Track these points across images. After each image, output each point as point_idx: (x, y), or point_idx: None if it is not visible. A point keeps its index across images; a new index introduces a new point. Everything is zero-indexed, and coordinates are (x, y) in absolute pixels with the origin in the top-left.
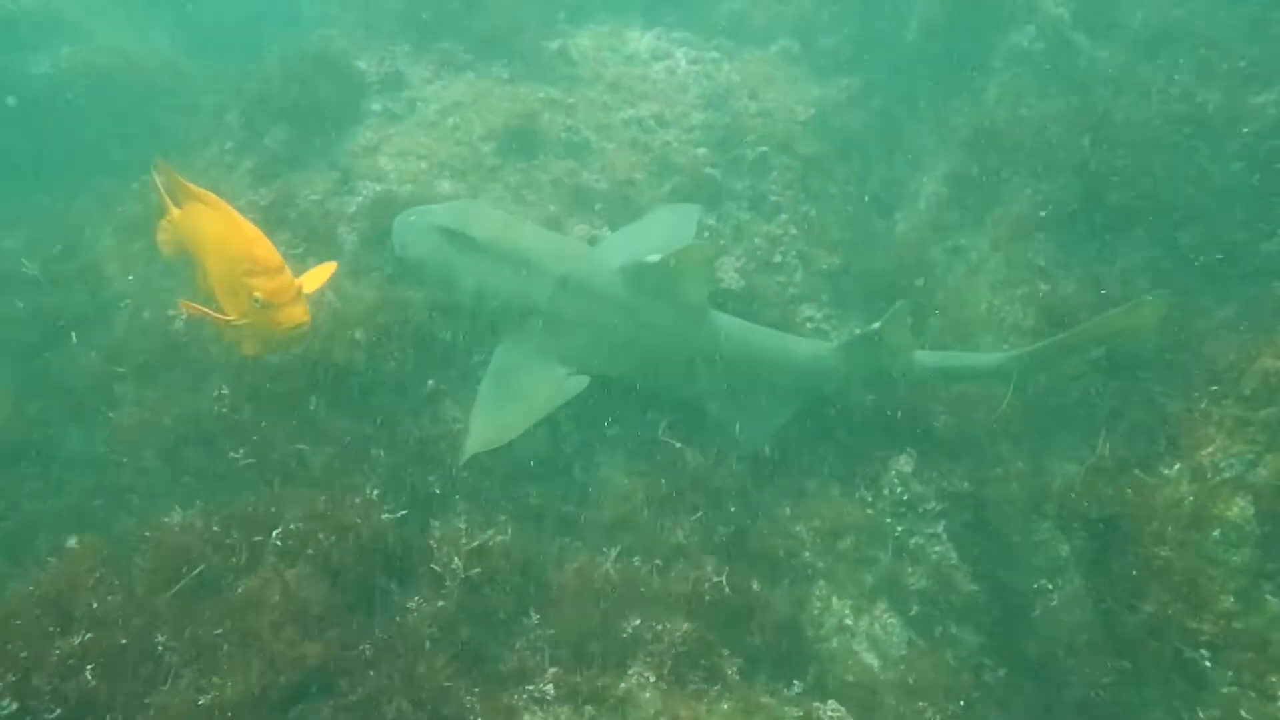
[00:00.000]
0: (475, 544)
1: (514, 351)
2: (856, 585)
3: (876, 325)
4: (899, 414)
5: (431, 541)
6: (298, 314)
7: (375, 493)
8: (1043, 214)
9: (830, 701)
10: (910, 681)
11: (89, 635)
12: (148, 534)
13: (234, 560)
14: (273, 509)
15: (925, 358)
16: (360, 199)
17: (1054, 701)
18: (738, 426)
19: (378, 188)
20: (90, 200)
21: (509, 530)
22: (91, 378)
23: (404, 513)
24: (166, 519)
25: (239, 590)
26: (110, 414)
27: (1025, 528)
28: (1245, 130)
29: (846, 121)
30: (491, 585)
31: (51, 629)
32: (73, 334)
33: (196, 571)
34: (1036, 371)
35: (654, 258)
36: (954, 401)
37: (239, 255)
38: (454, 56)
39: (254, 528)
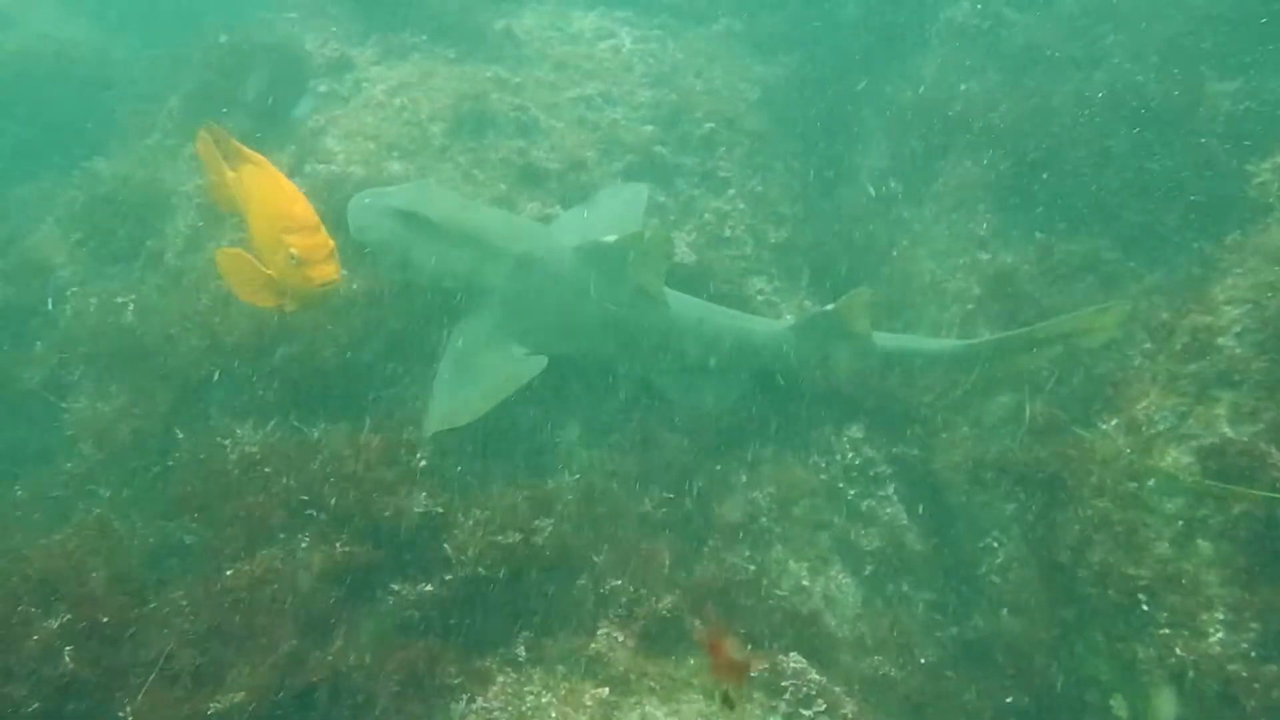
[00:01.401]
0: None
1: (471, 331)
2: (812, 547)
3: (831, 306)
4: (850, 389)
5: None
6: (329, 271)
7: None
8: (980, 187)
9: (792, 653)
10: (866, 639)
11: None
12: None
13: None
14: None
15: (884, 340)
16: (310, 181)
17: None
18: (690, 403)
19: (326, 169)
20: (29, 191)
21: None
22: (42, 370)
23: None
24: None
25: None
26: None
27: (971, 490)
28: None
29: (790, 98)
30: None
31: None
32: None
33: None
34: (994, 362)
35: (610, 238)
36: (904, 380)
37: (278, 212)
38: (400, 38)
39: None
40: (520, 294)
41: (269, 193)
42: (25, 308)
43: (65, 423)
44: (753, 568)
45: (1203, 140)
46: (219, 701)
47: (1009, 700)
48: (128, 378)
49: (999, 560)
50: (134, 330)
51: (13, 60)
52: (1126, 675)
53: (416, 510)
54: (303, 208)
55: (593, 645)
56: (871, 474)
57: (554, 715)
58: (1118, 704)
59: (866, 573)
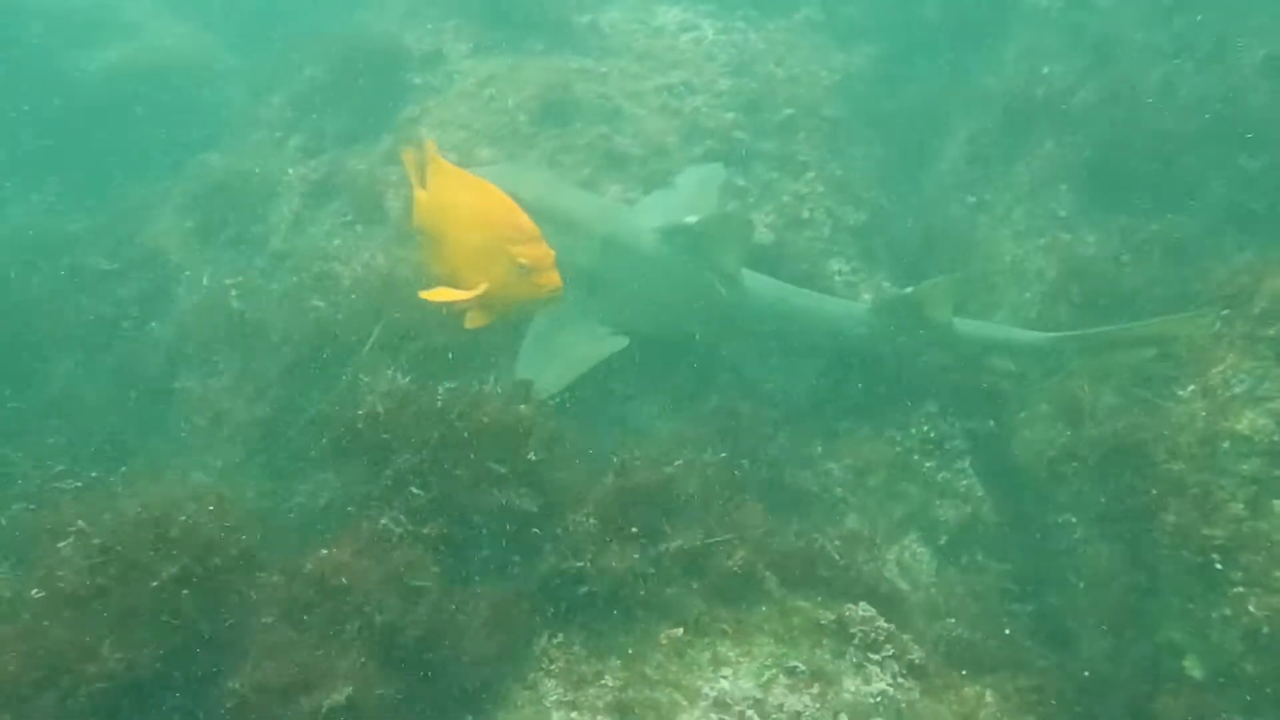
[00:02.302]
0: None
1: (556, 309)
2: (887, 517)
3: (910, 290)
4: (927, 369)
5: None
6: (555, 279)
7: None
8: (1061, 169)
9: (861, 603)
10: (940, 603)
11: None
12: None
13: None
14: None
15: (963, 326)
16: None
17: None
18: (768, 381)
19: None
20: (146, 188)
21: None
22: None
23: None
24: None
25: None
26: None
27: (1049, 465)
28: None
29: (870, 86)
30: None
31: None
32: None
33: None
34: (1077, 357)
35: (691, 219)
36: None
37: (502, 224)
38: (490, 34)
39: None
40: (605, 274)
41: (485, 206)
42: (145, 293)
43: (178, 399)
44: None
45: None
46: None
47: (1085, 674)
48: (237, 354)
49: (1076, 535)
50: (241, 310)
51: (136, 65)
52: (1200, 636)
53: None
54: (525, 219)
55: (668, 590)
56: (947, 447)
57: (630, 651)
58: (1191, 664)
59: (942, 543)
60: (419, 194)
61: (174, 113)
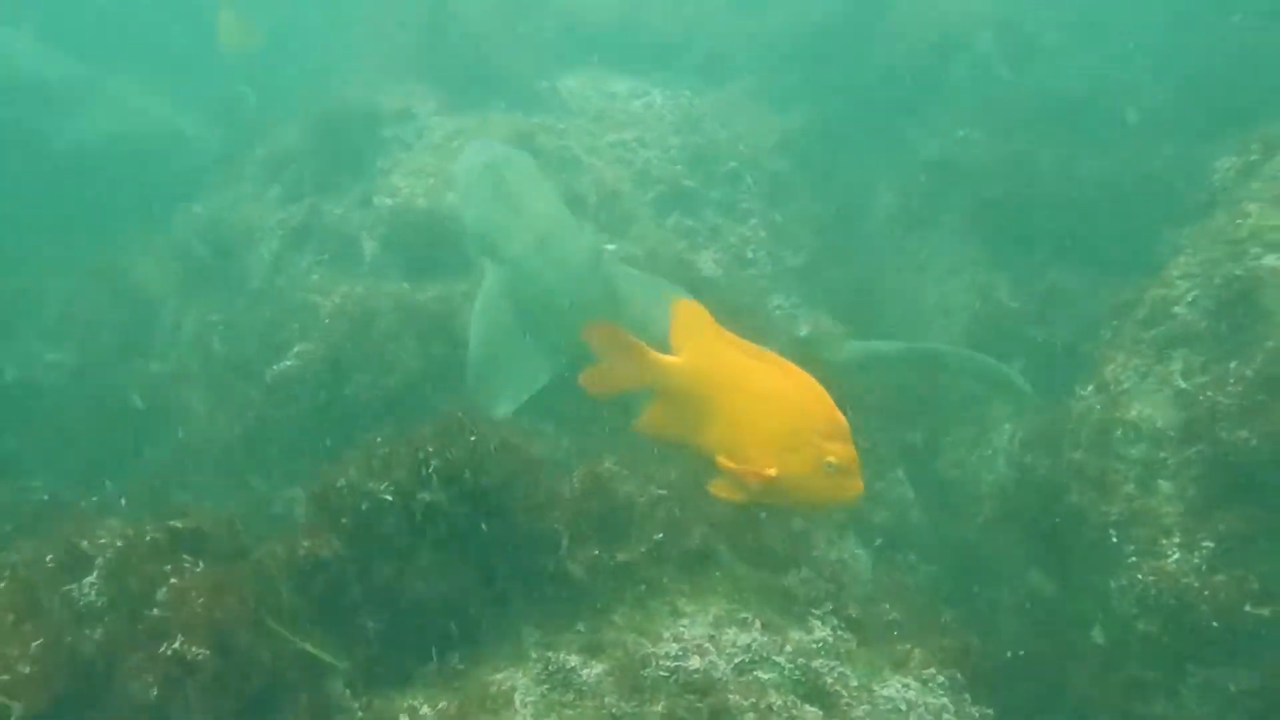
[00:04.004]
0: None
1: (488, 299)
2: (826, 520)
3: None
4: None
5: None
6: (860, 485)
7: None
8: (978, 224)
9: (804, 568)
10: (875, 593)
11: None
12: None
13: None
14: None
15: (853, 346)
16: (379, 211)
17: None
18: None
19: (393, 201)
20: (132, 237)
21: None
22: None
23: None
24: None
25: None
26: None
27: (971, 465)
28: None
29: (807, 144)
30: None
31: None
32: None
33: None
34: (931, 364)
35: (610, 247)
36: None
37: (813, 413)
38: (458, 94)
39: None
40: (529, 269)
41: (792, 386)
42: (132, 331)
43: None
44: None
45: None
46: None
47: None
48: (222, 383)
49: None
50: (225, 343)
51: (117, 134)
52: (1102, 605)
53: None
54: (838, 411)
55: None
56: (880, 455)
57: (598, 606)
58: (1097, 633)
59: (877, 544)
60: (681, 356)
61: (152, 175)
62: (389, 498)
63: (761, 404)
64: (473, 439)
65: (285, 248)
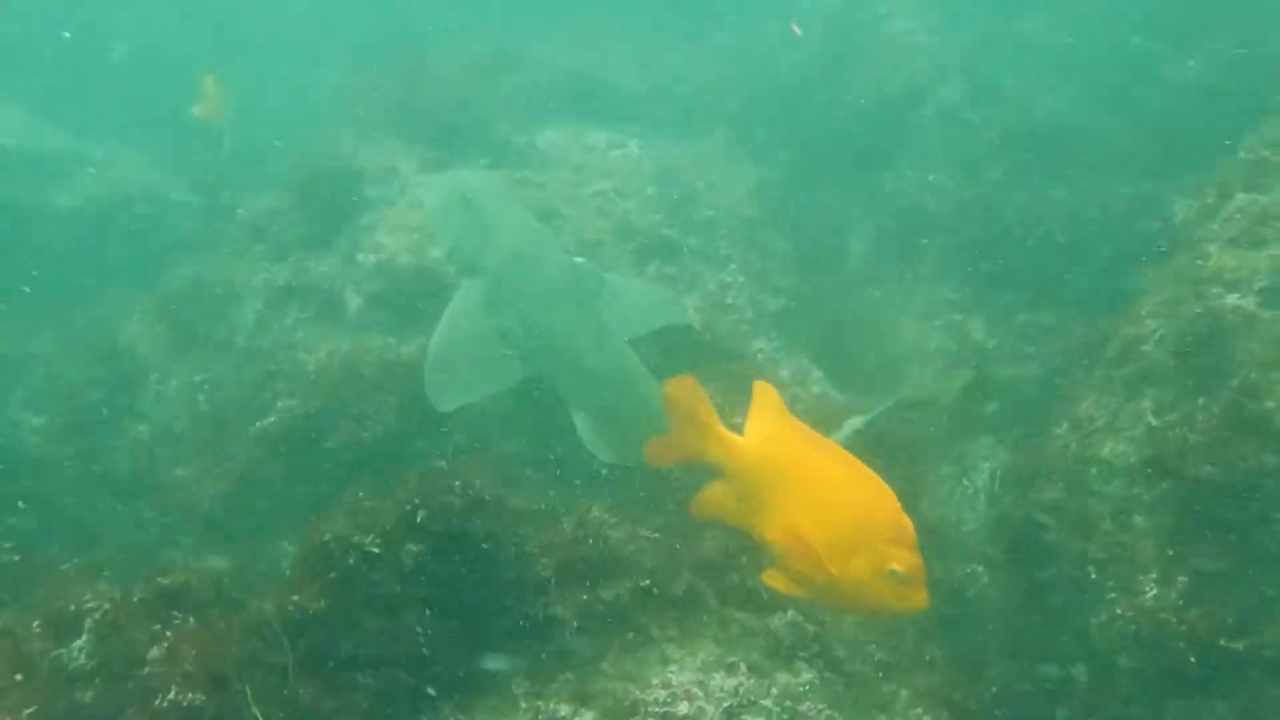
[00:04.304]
0: None
1: (460, 307)
2: None
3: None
4: None
5: None
6: (924, 598)
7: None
8: (950, 265)
9: (790, 610)
10: (860, 635)
11: None
12: None
13: None
14: None
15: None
16: (363, 268)
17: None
18: (593, 446)
19: (376, 258)
20: (117, 296)
21: None
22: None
23: None
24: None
25: None
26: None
27: (953, 504)
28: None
29: (782, 192)
30: None
31: None
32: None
33: None
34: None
35: (581, 259)
36: None
37: (880, 519)
38: (438, 151)
39: None
40: (507, 281)
41: (858, 487)
42: (118, 393)
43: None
44: None
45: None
46: None
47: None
48: (208, 441)
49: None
50: (211, 402)
51: (106, 200)
52: (1084, 643)
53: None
54: (905, 517)
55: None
56: None
57: (587, 654)
58: (1079, 671)
59: None
60: (750, 438)
61: (138, 240)
62: (376, 550)
63: (826, 499)
64: (458, 485)
65: (270, 306)
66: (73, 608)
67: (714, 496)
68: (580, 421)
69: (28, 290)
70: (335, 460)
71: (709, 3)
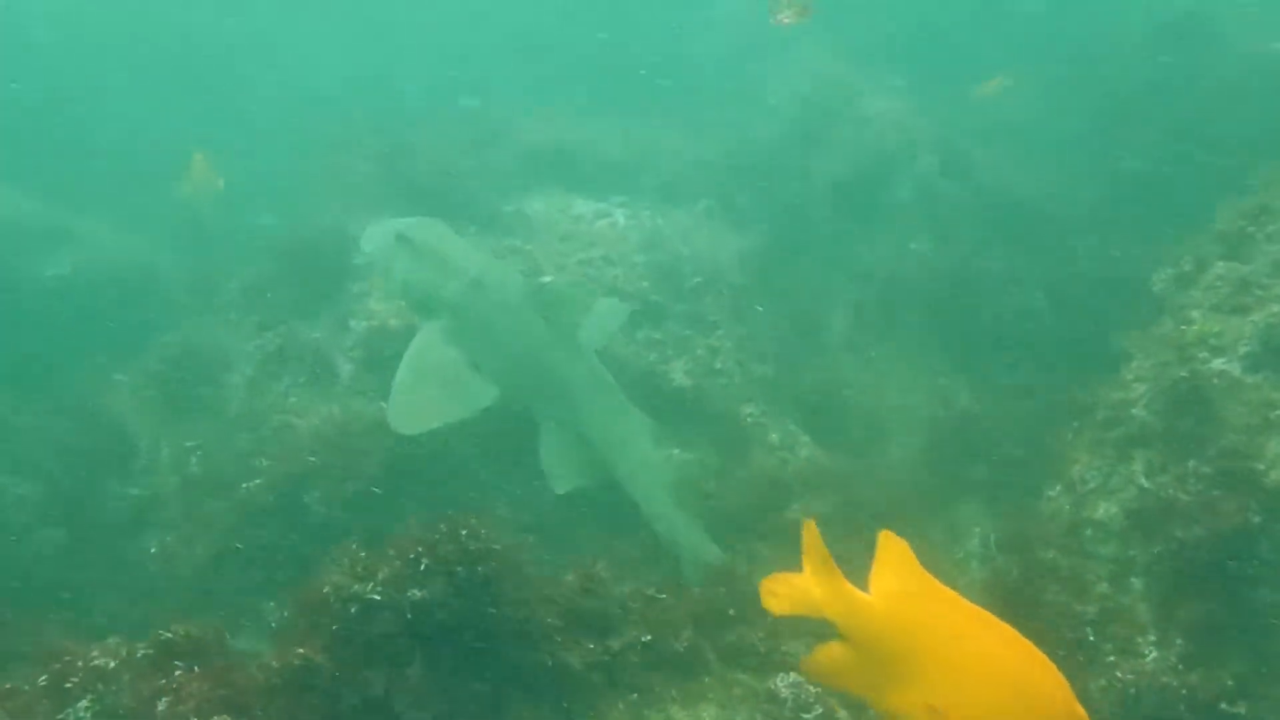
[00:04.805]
0: None
1: (426, 338)
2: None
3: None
4: None
5: None
6: None
7: None
8: (932, 333)
9: (792, 674)
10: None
11: None
12: None
13: None
14: None
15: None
16: (355, 334)
17: None
18: (550, 461)
19: (369, 324)
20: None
21: None
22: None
23: None
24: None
25: None
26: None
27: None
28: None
29: (765, 260)
30: None
31: None
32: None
33: None
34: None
35: (547, 278)
36: None
37: (1046, 702)
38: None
39: None
40: (467, 309)
41: (1015, 660)
42: (106, 459)
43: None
44: None
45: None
46: None
47: None
48: (198, 504)
49: None
50: (202, 466)
51: (91, 271)
52: (1086, 707)
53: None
54: (1078, 705)
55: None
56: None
57: (590, 715)
58: None
59: None
60: (878, 596)
61: (126, 309)
62: (377, 597)
63: (975, 673)
64: (464, 533)
65: (262, 372)
66: (80, 663)
67: (832, 658)
68: (546, 444)
69: (16, 359)
70: (321, 520)
71: (686, 81)
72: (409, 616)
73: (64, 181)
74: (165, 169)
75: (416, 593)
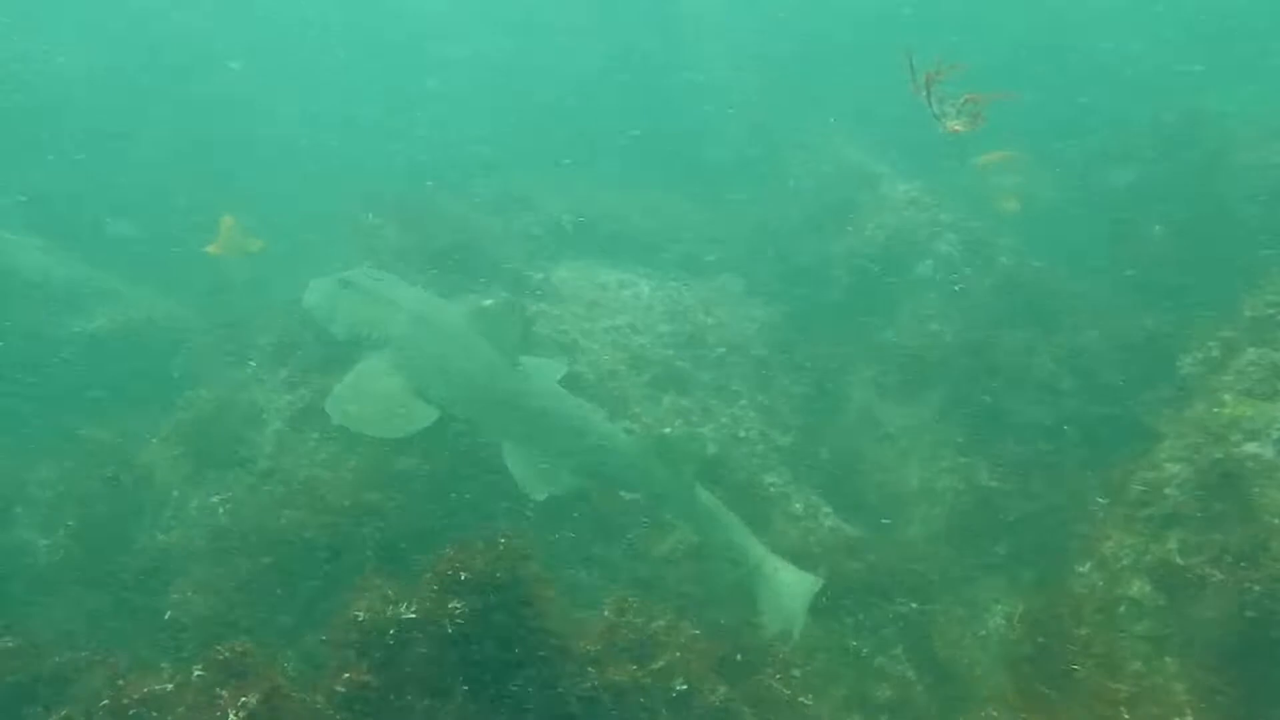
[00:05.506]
0: None
1: (371, 363)
2: (829, 698)
3: (668, 429)
4: None
5: None
6: None
7: None
8: (953, 409)
9: None
10: None
11: None
12: None
13: None
14: None
15: (704, 496)
16: None
17: None
18: (521, 473)
19: None
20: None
21: None
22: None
23: None
24: None
25: None
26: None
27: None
28: None
29: (786, 334)
30: None
31: None
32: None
33: None
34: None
35: (488, 301)
36: None
37: None
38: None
39: None
40: (411, 340)
41: None
42: (133, 511)
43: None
44: None
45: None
46: None
47: None
48: (225, 553)
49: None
50: (231, 518)
51: (119, 327)
52: None
53: None
54: None
55: None
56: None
57: None
58: None
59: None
60: None
61: (154, 365)
62: (413, 615)
63: None
64: (501, 545)
65: (291, 426)
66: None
67: None
68: (512, 459)
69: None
70: (352, 565)
71: (710, 158)
72: (449, 631)
73: (93, 240)
74: (193, 229)
75: (456, 604)
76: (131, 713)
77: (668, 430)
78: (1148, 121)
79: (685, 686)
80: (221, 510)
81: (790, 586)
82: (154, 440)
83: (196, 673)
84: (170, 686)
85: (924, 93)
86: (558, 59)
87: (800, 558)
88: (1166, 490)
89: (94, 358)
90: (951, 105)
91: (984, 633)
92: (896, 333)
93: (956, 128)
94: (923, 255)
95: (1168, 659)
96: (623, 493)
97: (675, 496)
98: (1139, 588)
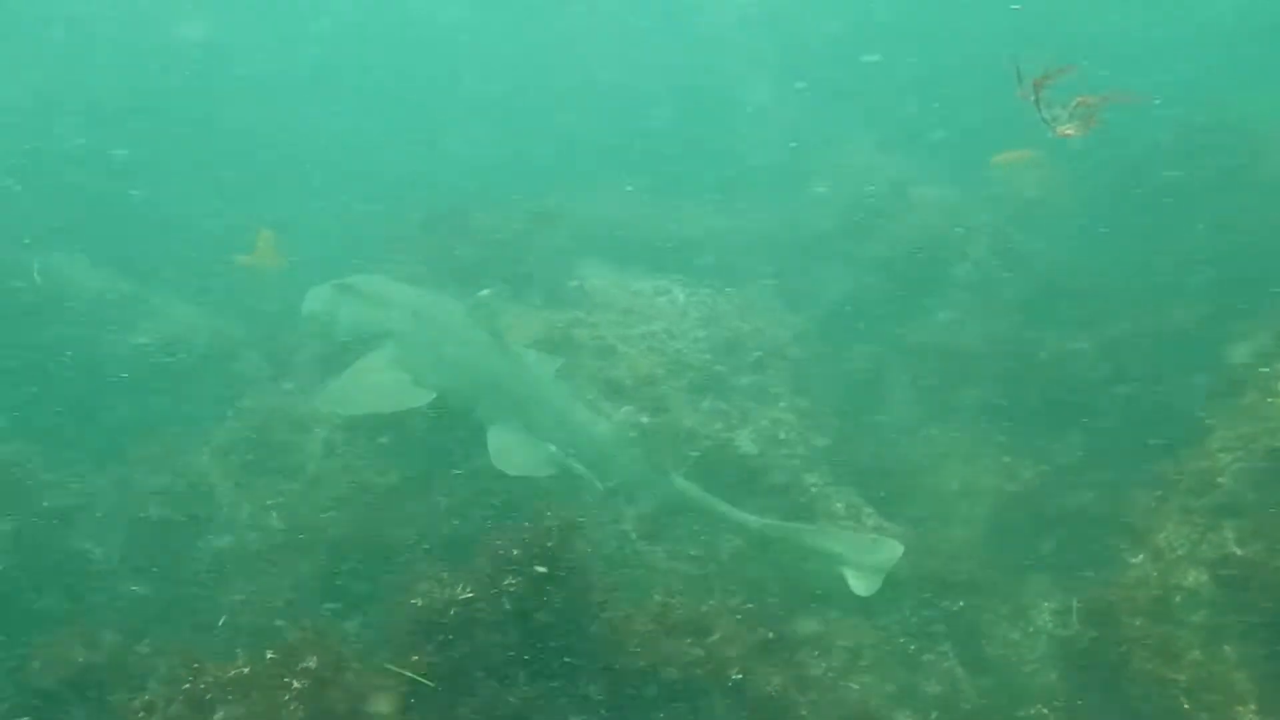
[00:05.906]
0: None
1: (372, 356)
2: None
3: (644, 419)
4: None
5: None
6: None
7: None
8: (992, 407)
9: None
10: None
11: None
12: None
13: None
14: None
15: (685, 486)
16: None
17: None
18: (500, 460)
19: None
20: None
21: None
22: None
23: None
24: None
25: None
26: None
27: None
28: None
29: (822, 338)
30: None
31: None
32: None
33: None
34: (776, 543)
35: (485, 292)
36: None
37: None
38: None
39: None
40: (411, 335)
41: None
42: (189, 522)
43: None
44: None
45: None
46: None
47: None
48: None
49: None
50: (283, 520)
51: (168, 341)
52: None
53: None
54: None
55: None
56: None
57: None
58: None
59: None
60: None
61: (202, 379)
62: (470, 595)
63: None
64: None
65: (340, 434)
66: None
67: None
68: (494, 442)
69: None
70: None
71: (737, 166)
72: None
73: (140, 255)
74: (233, 244)
75: (509, 581)
76: (209, 696)
77: (645, 420)
78: (1189, 119)
79: (740, 676)
80: (275, 515)
81: (870, 545)
82: (206, 450)
83: (269, 655)
84: (246, 670)
85: (1033, 98)
86: (590, 74)
87: None
88: (1220, 479)
89: (145, 372)
90: (1063, 109)
91: (1032, 629)
92: (930, 333)
93: (1069, 132)
94: (958, 257)
95: (1226, 648)
96: (597, 482)
97: (651, 484)
98: (1194, 577)
